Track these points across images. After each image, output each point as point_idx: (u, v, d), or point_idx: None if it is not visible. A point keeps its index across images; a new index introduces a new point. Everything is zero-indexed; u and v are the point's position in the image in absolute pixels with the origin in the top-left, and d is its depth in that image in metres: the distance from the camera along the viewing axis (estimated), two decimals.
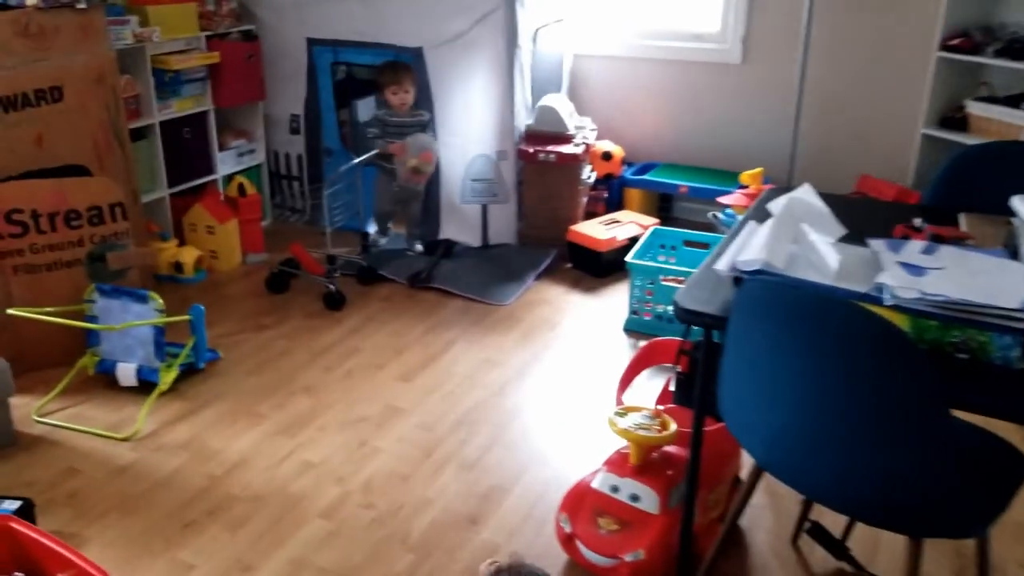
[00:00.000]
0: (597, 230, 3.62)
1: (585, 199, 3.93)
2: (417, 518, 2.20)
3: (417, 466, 2.42)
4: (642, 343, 2.82)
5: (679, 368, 2.21)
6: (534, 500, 2.28)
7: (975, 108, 3.29)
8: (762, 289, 1.46)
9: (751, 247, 1.66)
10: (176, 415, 2.66)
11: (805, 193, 1.80)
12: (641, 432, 1.92)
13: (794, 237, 1.66)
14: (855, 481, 1.43)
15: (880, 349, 1.30)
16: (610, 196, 4.08)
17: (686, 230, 3.54)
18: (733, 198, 3.56)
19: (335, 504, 2.26)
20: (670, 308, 3.10)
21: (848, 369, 1.35)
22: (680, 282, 3.03)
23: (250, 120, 4.01)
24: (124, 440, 2.52)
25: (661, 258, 3.41)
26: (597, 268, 3.59)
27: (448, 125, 3.70)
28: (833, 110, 3.77)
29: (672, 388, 2.28)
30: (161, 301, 2.72)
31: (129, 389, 2.73)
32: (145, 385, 2.71)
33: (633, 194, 4.05)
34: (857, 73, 3.69)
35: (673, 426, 1.97)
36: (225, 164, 3.86)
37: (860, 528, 2.10)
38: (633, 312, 3.19)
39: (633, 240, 3.44)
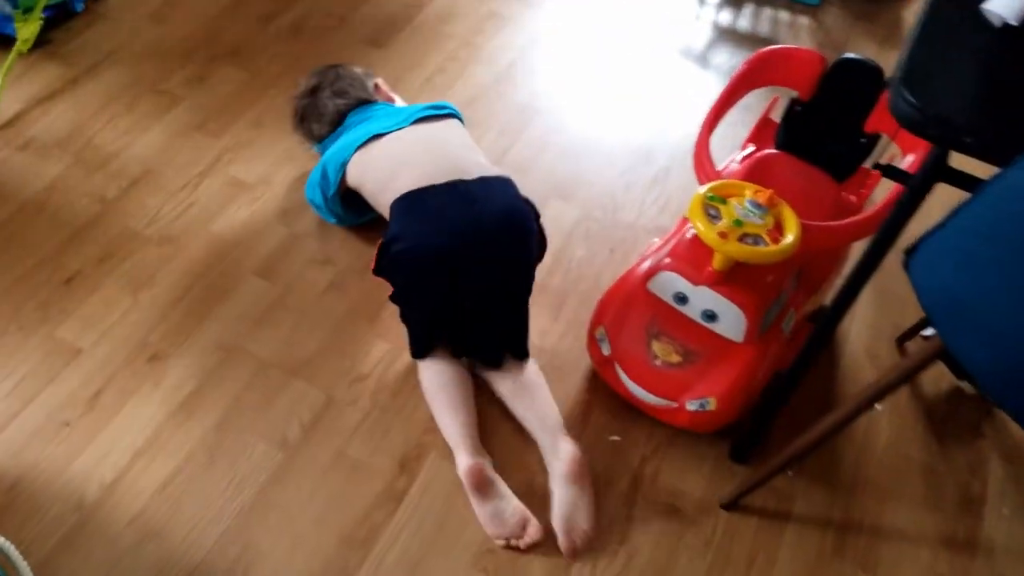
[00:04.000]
0: None
1: None
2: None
3: None
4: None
5: (798, 96, 1.40)
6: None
7: None
8: None
9: None
10: (48, 88, 1.84)
11: None
12: (748, 243, 1.17)
13: None
14: None
15: None
16: None
17: None
18: None
19: (278, 250, 1.60)
20: None
21: None
22: None
23: None
24: None
25: None
26: None
27: None
28: None
29: (777, 118, 1.48)
30: None
31: None
32: None
33: None
34: None
35: (793, 229, 1.20)
36: None
37: None
38: None
39: None
